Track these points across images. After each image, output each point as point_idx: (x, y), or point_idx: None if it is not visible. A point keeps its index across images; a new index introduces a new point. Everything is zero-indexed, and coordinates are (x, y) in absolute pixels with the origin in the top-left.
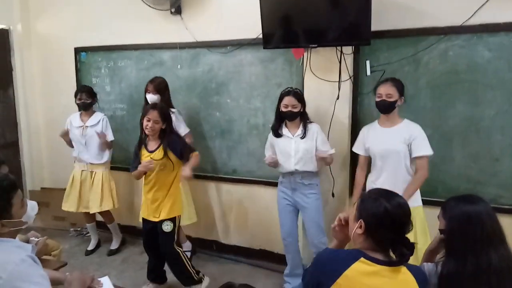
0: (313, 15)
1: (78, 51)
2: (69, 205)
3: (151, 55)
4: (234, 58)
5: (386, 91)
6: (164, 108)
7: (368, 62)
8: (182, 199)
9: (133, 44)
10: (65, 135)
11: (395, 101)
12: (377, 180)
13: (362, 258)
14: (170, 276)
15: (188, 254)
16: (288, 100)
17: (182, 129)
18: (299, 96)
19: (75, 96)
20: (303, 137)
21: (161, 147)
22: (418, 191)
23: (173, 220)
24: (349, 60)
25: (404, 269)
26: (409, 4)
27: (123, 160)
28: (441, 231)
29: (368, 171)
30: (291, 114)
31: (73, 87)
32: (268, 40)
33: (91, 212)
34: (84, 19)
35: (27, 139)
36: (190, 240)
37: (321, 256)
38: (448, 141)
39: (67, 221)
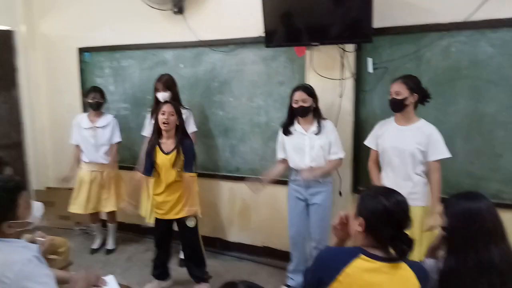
0: (314, 13)
1: (81, 51)
2: (77, 207)
3: (154, 55)
4: (236, 57)
5: (395, 89)
6: (175, 103)
7: (370, 60)
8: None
9: (136, 44)
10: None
11: (404, 99)
12: (384, 178)
13: (362, 255)
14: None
15: None
16: (298, 95)
17: (191, 127)
18: (309, 91)
19: (87, 95)
20: (317, 133)
21: (177, 149)
22: (423, 192)
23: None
24: (351, 57)
25: (404, 265)
26: (410, 0)
27: (127, 159)
28: (442, 228)
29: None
30: (302, 110)
31: (77, 87)
32: (270, 39)
33: (106, 211)
34: (87, 20)
35: (32, 139)
36: None
37: (322, 254)
38: (451, 137)
39: (72, 220)
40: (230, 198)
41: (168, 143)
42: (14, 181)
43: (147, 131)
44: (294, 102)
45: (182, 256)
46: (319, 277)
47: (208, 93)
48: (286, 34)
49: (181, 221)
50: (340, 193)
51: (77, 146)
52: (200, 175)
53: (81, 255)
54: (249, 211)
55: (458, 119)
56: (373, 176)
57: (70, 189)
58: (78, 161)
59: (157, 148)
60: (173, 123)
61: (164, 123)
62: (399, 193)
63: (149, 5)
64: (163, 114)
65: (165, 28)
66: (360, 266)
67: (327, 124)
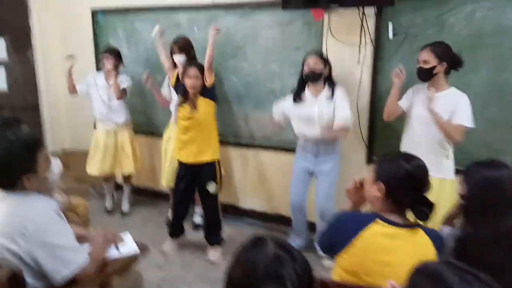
0: None
1: (95, 12)
2: (93, 168)
3: (168, 18)
4: (251, 21)
5: (423, 57)
6: (199, 64)
7: (390, 24)
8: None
9: (150, 5)
10: (71, 64)
11: (433, 68)
12: (410, 145)
13: (378, 220)
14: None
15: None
16: (311, 59)
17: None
18: (322, 56)
19: (102, 56)
20: (329, 98)
21: (203, 100)
22: (452, 164)
23: (216, 176)
24: (371, 22)
25: (420, 231)
26: None
27: (142, 123)
28: (461, 196)
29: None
30: (314, 75)
31: (91, 49)
32: (287, 1)
33: (124, 173)
34: None
35: (47, 102)
36: None
37: (338, 218)
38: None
39: (88, 182)
40: (243, 165)
41: (193, 100)
42: (34, 137)
43: (166, 92)
44: (307, 66)
45: (196, 220)
46: (334, 240)
47: (221, 58)
48: None
49: (202, 186)
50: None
51: (75, 88)
52: None
53: (96, 216)
54: (262, 179)
55: (478, 88)
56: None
57: (86, 152)
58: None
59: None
60: (199, 86)
61: (191, 87)
62: (418, 157)
63: None
64: (190, 78)
65: None
66: (377, 230)
67: (337, 91)
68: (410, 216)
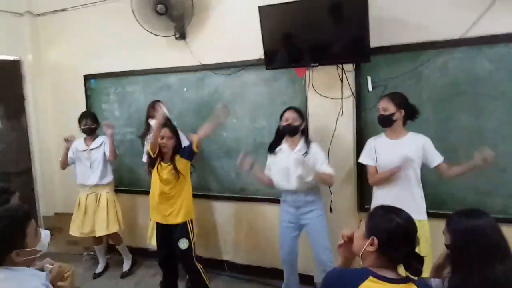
0: (312, 35)
1: (87, 78)
2: (74, 229)
3: (158, 80)
4: (238, 79)
5: (383, 105)
6: (172, 124)
7: (369, 78)
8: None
9: (140, 69)
10: (67, 146)
11: (392, 114)
12: (386, 194)
13: (371, 277)
14: None
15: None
16: (288, 114)
17: (184, 140)
18: (299, 111)
19: (80, 122)
20: (305, 154)
21: (177, 160)
22: (424, 205)
23: (187, 233)
24: (350, 76)
25: (413, 286)
26: (406, 19)
27: (129, 183)
28: (446, 246)
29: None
30: (291, 128)
31: None
32: (270, 61)
33: (97, 235)
34: (92, 48)
35: (40, 166)
36: (201, 260)
37: (329, 276)
38: (453, 152)
39: (80, 246)
40: (236, 219)
41: (166, 158)
42: (22, 211)
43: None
44: (284, 120)
45: None
46: None
47: (211, 115)
48: (285, 56)
49: (176, 244)
50: (330, 210)
51: (67, 164)
52: (205, 197)
53: (89, 281)
54: (255, 232)
55: (460, 134)
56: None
57: None
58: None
59: (159, 159)
60: (171, 146)
61: (163, 146)
62: (404, 211)
63: (152, 33)
64: (162, 138)
65: (168, 53)
66: None
67: (313, 146)
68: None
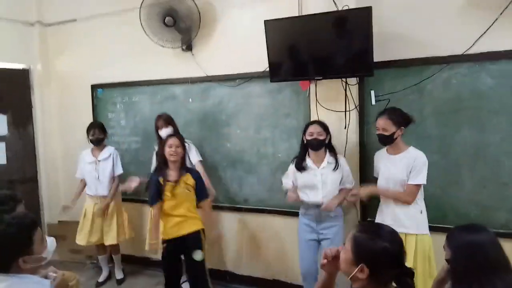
0: (317, 48)
1: (94, 87)
2: (80, 238)
3: (164, 90)
4: (243, 91)
5: (382, 125)
6: (180, 135)
7: (373, 92)
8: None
9: (147, 80)
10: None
11: (392, 134)
12: (385, 209)
13: None
14: None
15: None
16: (313, 128)
17: (194, 157)
18: (324, 126)
19: (88, 132)
20: (335, 168)
21: (186, 175)
22: (426, 219)
23: (201, 243)
24: (354, 90)
25: None
26: (411, 35)
27: (135, 192)
28: (447, 260)
29: None
30: (317, 143)
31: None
32: (275, 73)
33: (106, 244)
34: (100, 58)
35: (45, 174)
36: None
37: None
38: (456, 167)
39: (84, 254)
40: (238, 230)
41: (173, 174)
42: (29, 218)
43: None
44: (309, 134)
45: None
46: None
47: (216, 125)
48: (290, 69)
49: (189, 254)
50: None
51: (82, 180)
52: None
53: None
54: (258, 243)
55: (463, 149)
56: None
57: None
58: (79, 194)
59: (162, 179)
60: (180, 154)
61: (171, 154)
62: (387, 226)
63: (159, 44)
64: (171, 147)
65: (174, 64)
66: None
67: (341, 159)
68: None
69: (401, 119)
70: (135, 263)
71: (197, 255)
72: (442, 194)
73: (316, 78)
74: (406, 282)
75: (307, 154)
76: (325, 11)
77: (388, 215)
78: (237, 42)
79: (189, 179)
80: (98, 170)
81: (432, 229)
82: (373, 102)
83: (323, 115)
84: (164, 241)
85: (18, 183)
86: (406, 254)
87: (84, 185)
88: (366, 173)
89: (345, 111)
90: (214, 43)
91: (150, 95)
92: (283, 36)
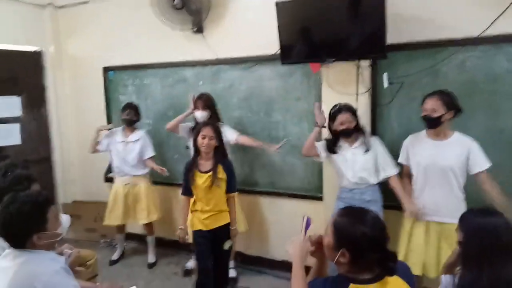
0: (329, 30)
1: (106, 70)
2: (113, 219)
3: (175, 73)
4: (254, 74)
5: (431, 106)
6: (216, 125)
7: (385, 75)
8: None
9: (158, 62)
10: (98, 135)
11: (441, 116)
12: (427, 195)
13: (351, 285)
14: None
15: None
16: (343, 117)
17: (231, 135)
18: (352, 110)
19: (123, 111)
20: (366, 150)
21: (218, 167)
22: (462, 207)
23: (229, 234)
24: (366, 73)
25: (394, 277)
26: (426, 16)
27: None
28: (458, 243)
29: None
30: (348, 132)
31: (102, 104)
32: (286, 56)
33: (141, 223)
34: (111, 40)
35: (59, 155)
36: None
37: None
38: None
39: (98, 233)
40: (249, 212)
41: (206, 164)
42: (43, 196)
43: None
44: (339, 124)
45: (189, 265)
46: None
47: (226, 109)
48: (301, 51)
49: (218, 244)
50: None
51: (96, 148)
52: None
53: (105, 267)
54: (268, 225)
55: (477, 133)
56: (406, 191)
57: (96, 203)
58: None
59: (195, 169)
60: (212, 146)
61: (203, 146)
62: (370, 210)
63: (169, 26)
64: (204, 138)
65: (185, 47)
66: None
67: (374, 140)
68: None
69: (452, 102)
70: (158, 245)
71: (227, 244)
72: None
73: (328, 60)
74: (388, 266)
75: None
76: None
77: (431, 204)
78: (248, 24)
79: (220, 172)
80: (126, 150)
81: None
82: (386, 85)
83: (335, 98)
84: (197, 231)
85: (32, 163)
86: (389, 238)
87: (99, 143)
88: None
89: (357, 94)
90: (225, 25)
91: (161, 78)
92: (295, 18)
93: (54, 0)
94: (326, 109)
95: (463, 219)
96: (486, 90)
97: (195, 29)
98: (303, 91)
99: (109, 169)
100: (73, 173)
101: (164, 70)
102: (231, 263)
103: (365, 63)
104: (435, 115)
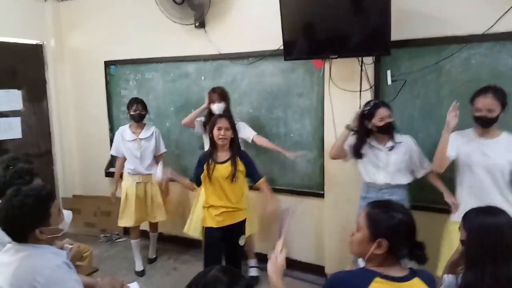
0: (332, 26)
1: (107, 64)
2: (126, 220)
3: (177, 68)
4: (256, 69)
5: (488, 105)
6: (230, 116)
7: (389, 72)
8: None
9: (160, 57)
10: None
11: (497, 117)
12: (475, 193)
13: (377, 278)
14: None
15: None
16: (383, 111)
17: (249, 133)
18: (389, 106)
19: (129, 107)
20: (391, 149)
21: (234, 158)
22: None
23: (244, 229)
24: (370, 69)
25: (417, 280)
26: (430, 13)
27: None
28: (462, 242)
29: None
30: (389, 127)
31: (103, 99)
32: (289, 52)
33: (156, 221)
34: (113, 34)
35: (60, 149)
36: None
37: (334, 280)
38: None
39: (98, 228)
40: (250, 208)
41: (222, 155)
42: (46, 190)
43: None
44: (379, 120)
45: (252, 273)
46: None
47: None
48: (304, 47)
49: (233, 240)
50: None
51: (119, 159)
52: None
53: (105, 262)
54: (268, 222)
55: None
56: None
57: (96, 198)
58: (119, 173)
59: (211, 161)
60: (229, 138)
61: (220, 138)
62: (395, 201)
63: (172, 20)
64: (220, 129)
65: (187, 42)
66: None
67: (406, 139)
68: None
69: (505, 99)
70: (164, 242)
71: (242, 240)
72: None
73: (331, 56)
74: (419, 255)
75: (371, 136)
76: None
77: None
78: (250, 19)
79: (239, 165)
80: (140, 148)
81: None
82: (389, 82)
83: (337, 95)
84: (208, 228)
85: (33, 157)
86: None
87: (122, 163)
88: None
89: (360, 91)
90: (227, 20)
91: (162, 73)
92: (298, 13)
93: None
94: (333, 105)
95: (466, 218)
96: None
97: (197, 24)
98: (305, 88)
99: (110, 164)
100: (73, 167)
101: (166, 65)
102: (252, 262)
103: (369, 60)
104: (492, 115)
